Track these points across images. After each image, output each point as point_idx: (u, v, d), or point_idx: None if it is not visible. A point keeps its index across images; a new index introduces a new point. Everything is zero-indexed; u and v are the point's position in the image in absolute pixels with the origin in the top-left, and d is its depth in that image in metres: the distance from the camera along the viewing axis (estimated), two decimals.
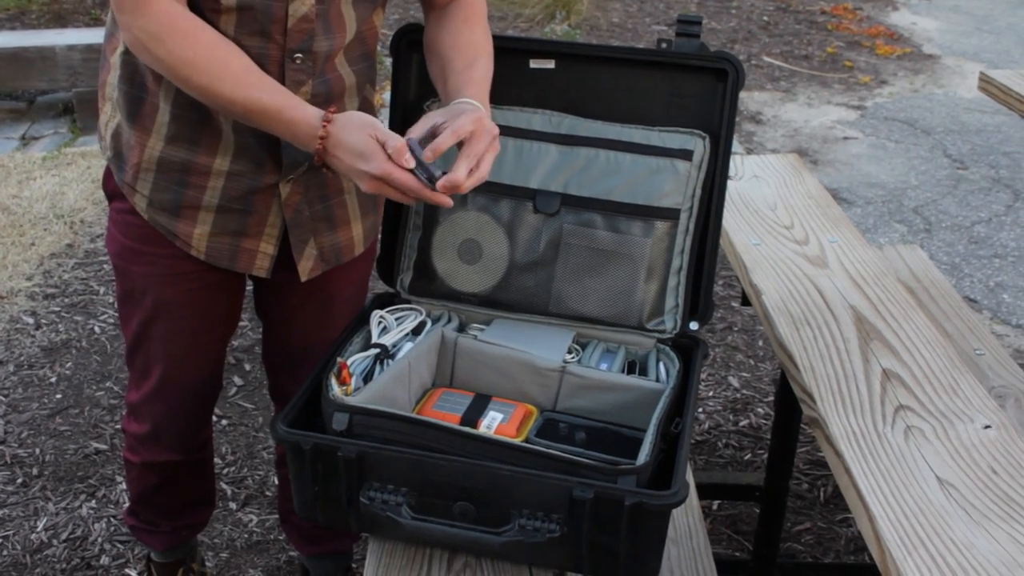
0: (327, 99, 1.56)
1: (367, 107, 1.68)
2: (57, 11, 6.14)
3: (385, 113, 1.76)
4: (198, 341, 1.75)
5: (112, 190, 1.66)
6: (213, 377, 1.84)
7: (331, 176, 1.64)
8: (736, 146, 4.78)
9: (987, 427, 1.51)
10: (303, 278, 1.68)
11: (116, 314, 3.29)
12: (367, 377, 1.59)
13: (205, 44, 1.39)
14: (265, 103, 1.40)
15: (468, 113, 1.42)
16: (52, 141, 4.67)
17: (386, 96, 1.75)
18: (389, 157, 1.36)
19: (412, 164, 1.36)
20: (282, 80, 1.50)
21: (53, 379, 2.99)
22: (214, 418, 2.71)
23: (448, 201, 1.39)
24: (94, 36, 4.85)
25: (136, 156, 1.57)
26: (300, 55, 1.50)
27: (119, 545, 2.39)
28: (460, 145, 1.42)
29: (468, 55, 1.57)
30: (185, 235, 1.61)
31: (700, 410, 2.92)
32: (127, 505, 2.08)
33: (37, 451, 2.69)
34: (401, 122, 1.77)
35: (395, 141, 1.35)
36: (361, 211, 1.72)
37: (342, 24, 1.53)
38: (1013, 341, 3.32)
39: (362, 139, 1.36)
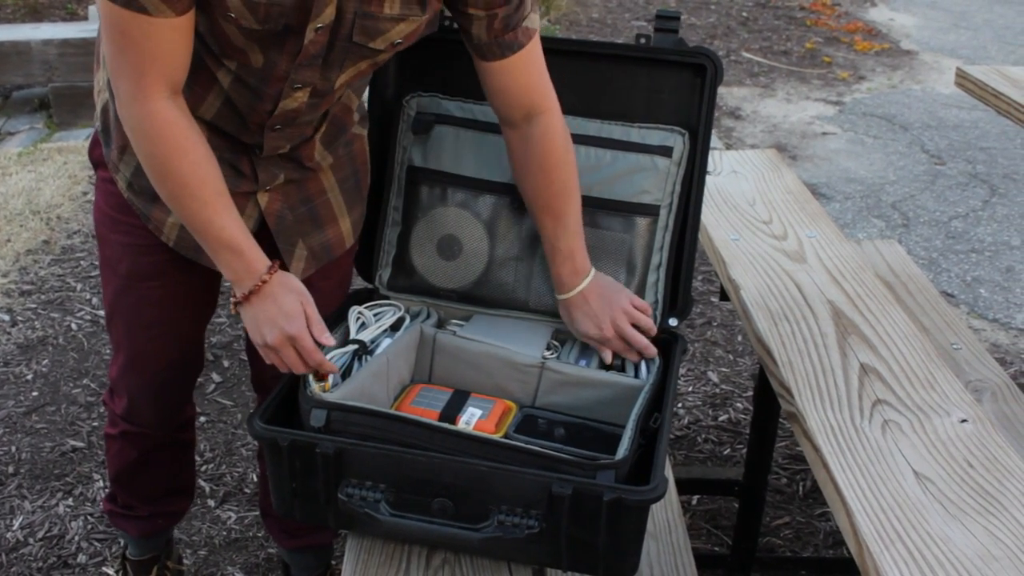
0: (296, 145, 1.59)
1: (339, 108, 1.67)
2: (33, 5, 6.09)
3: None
4: (169, 314, 1.75)
5: (98, 158, 1.67)
6: (188, 355, 1.84)
7: (311, 177, 1.65)
8: (715, 141, 4.79)
9: (963, 421, 1.52)
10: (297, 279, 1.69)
11: (93, 311, 3.27)
12: (345, 373, 1.58)
13: (191, 162, 1.41)
14: (226, 235, 1.44)
15: (617, 303, 1.63)
16: (28, 136, 4.63)
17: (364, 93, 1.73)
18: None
19: (332, 343, 1.49)
20: (261, 137, 1.54)
21: (29, 376, 2.96)
22: None
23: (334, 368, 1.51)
24: (70, 31, 4.81)
25: (122, 138, 1.58)
26: (281, 126, 1.53)
27: (96, 543, 2.37)
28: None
29: (573, 206, 1.62)
30: (158, 221, 1.61)
31: (679, 405, 2.93)
32: (106, 490, 2.07)
33: (13, 449, 2.67)
34: (379, 120, 1.76)
35: (319, 324, 1.48)
36: (347, 206, 1.72)
37: (332, 99, 1.55)
38: (989, 335, 3.34)
39: (293, 302, 1.46)
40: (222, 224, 1.43)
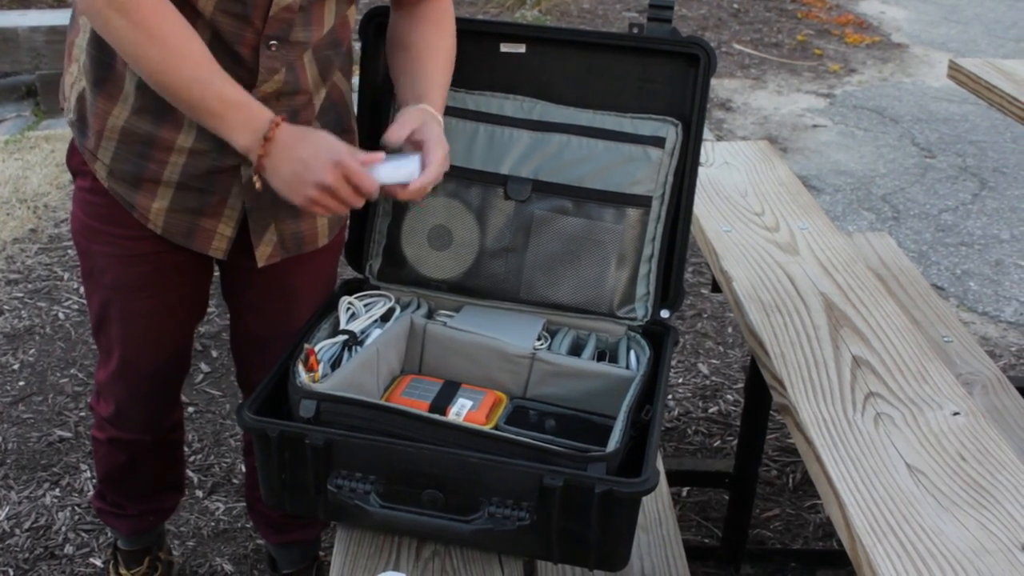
0: (295, 89, 1.54)
1: (336, 94, 1.65)
2: None
3: (354, 98, 1.73)
4: (157, 323, 1.72)
5: (75, 166, 1.63)
6: (176, 360, 1.81)
7: None
8: (706, 133, 4.78)
9: (955, 414, 1.52)
10: (260, 263, 1.65)
11: (80, 300, 3.25)
12: (335, 364, 1.57)
13: (171, 22, 1.37)
14: (227, 92, 1.40)
15: (437, 141, 1.50)
16: (15, 124, 4.60)
17: (355, 80, 1.72)
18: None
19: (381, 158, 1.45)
20: (255, 66, 1.48)
21: (16, 366, 2.94)
22: None
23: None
24: (58, 18, 4.78)
25: (99, 123, 1.54)
26: (276, 42, 1.48)
27: (83, 534, 2.36)
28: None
29: (439, 60, 1.61)
30: (143, 208, 1.58)
31: (670, 397, 2.92)
32: (95, 487, 2.05)
33: (0, 439, 2.65)
34: (370, 106, 1.75)
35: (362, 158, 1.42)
36: None
37: (321, 20, 1.52)
38: (979, 328, 3.34)
39: (318, 137, 1.42)
40: (220, 85, 1.40)
